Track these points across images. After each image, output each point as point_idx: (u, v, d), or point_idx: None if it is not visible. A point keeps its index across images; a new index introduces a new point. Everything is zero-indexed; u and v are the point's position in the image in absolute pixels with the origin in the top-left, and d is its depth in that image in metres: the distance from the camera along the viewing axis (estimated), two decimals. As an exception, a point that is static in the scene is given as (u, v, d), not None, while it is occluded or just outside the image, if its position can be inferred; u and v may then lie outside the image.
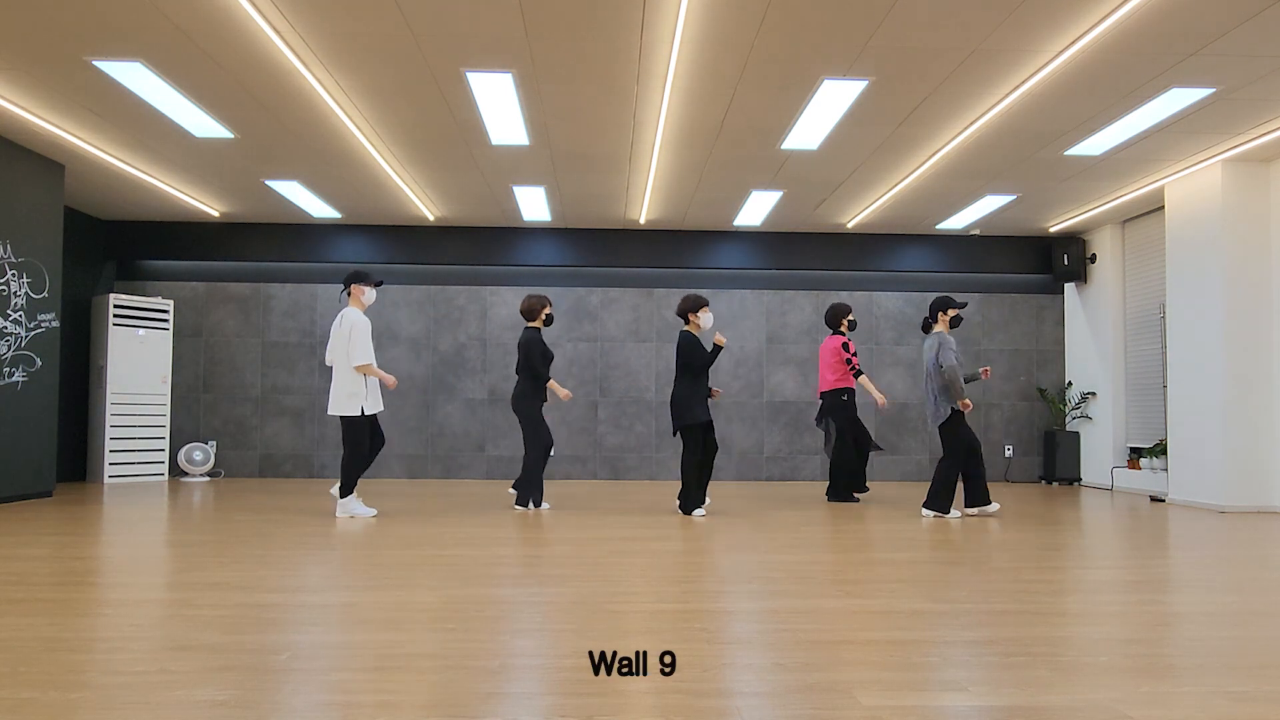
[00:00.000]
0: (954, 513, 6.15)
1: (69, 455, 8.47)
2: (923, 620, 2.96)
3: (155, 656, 2.44)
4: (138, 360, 8.53)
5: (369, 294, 5.92)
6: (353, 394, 5.73)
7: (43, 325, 6.88)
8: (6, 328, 6.51)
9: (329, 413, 5.79)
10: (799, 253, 9.41)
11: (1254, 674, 2.37)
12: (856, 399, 7.39)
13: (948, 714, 2.02)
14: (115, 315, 8.36)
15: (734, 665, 2.40)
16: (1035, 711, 2.04)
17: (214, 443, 9.02)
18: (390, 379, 5.78)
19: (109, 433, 8.26)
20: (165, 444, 8.74)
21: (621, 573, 3.81)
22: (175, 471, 9.26)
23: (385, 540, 4.75)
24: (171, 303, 8.87)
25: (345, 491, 5.82)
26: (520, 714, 2.01)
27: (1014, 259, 9.49)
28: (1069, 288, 9.60)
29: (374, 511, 5.89)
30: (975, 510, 6.20)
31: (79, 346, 8.57)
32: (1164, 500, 7.51)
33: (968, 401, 5.92)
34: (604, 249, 9.33)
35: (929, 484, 9.19)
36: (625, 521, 5.70)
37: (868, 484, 7.41)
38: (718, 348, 5.99)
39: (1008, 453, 9.54)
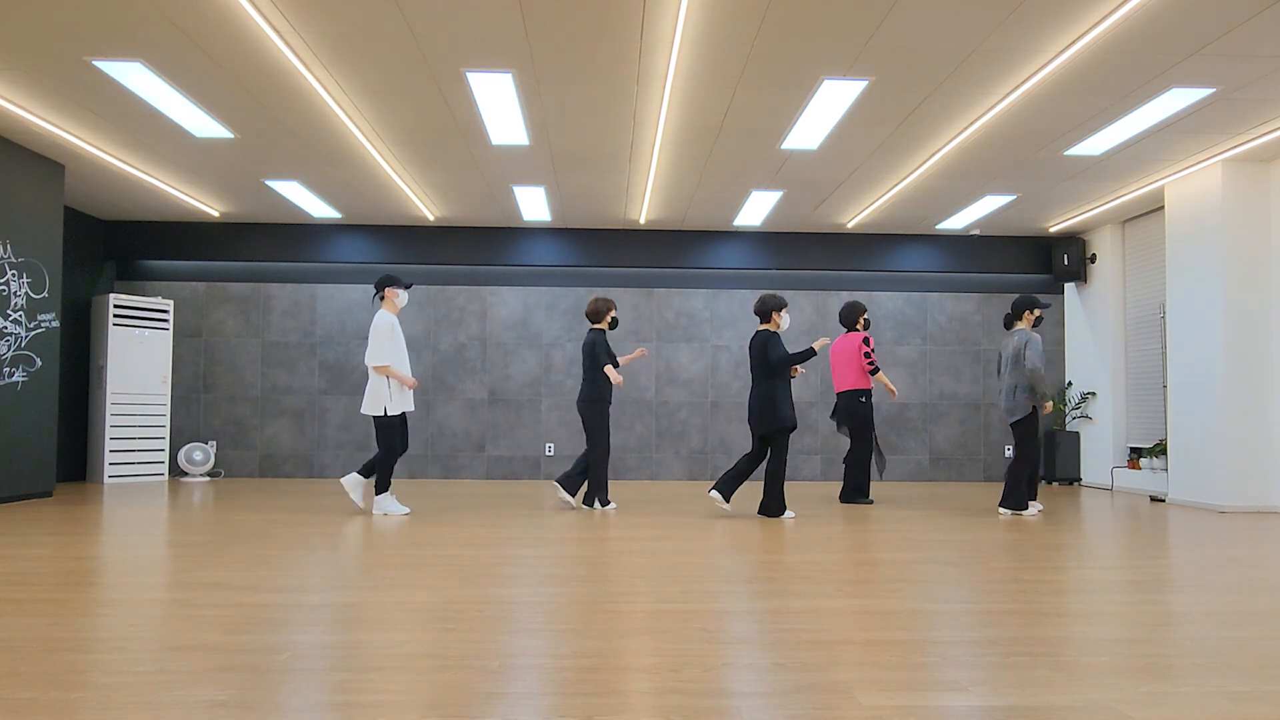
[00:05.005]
0: (1032, 509, 6.21)
1: (69, 455, 8.48)
2: (923, 620, 2.96)
3: (155, 656, 2.44)
4: (138, 360, 8.53)
5: (401, 296, 6.06)
6: (377, 393, 5.87)
7: (43, 325, 6.88)
8: (6, 328, 6.51)
9: (360, 411, 5.96)
10: (799, 253, 9.41)
11: (1254, 674, 2.37)
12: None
13: (948, 714, 2.02)
14: (115, 315, 8.36)
15: (734, 665, 2.40)
16: (1035, 711, 2.04)
17: (214, 443, 9.02)
18: (409, 380, 5.90)
19: (109, 433, 8.26)
20: (165, 444, 8.74)
21: (621, 573, 3.81)
22: (175, 471, 9.26)
23: (386, 540, 4.75)
24: (171, 303, 8.87)
25: (380, 489, 5.98)
26: (520, 714, 2.01)
27: (1014, 259, 9.49)
28: (1069, 288, 9.60)
29: (408, 510, 6.04)
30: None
31: (79, 346, 8.57)
32: (1164, 500, 7.51)
33: (1050, 404, 6.05)
34: (604, 249, 9.33)
35: (930, 484, 9.19)
36: (625, 521, 5.70)
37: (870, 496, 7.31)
38: (810, 350, 5.89)
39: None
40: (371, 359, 5.82)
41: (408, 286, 6.10)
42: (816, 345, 5.90)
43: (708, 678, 2.29)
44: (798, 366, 5.94)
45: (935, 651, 2.56)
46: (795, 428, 5.82)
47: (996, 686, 2.23)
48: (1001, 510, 6.25)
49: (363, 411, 5.94)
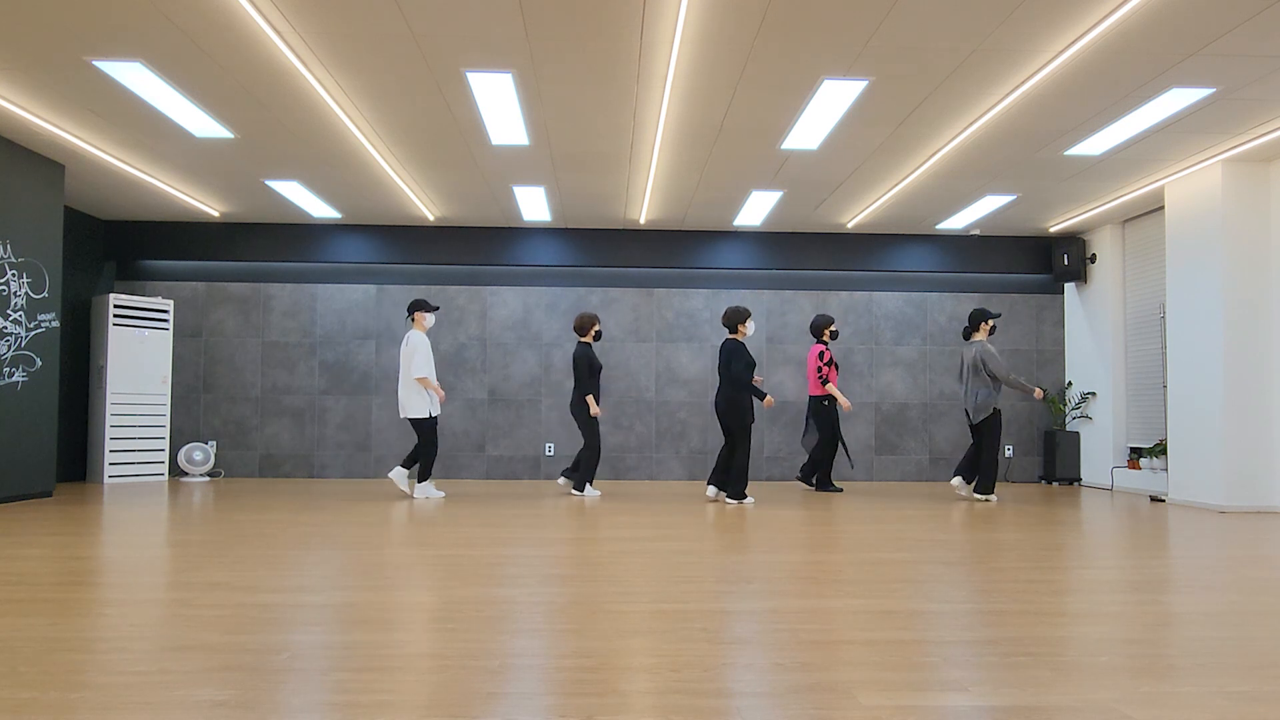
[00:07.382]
0: (993, 497, 7.05)
1: (69, 455, 8.47)
2: (923, 620, 2.96)
3: (155, 656, 2.44)
4: (138, 360, 8.53)
5: (429, 319, 7.22)
6: (420, 399, 7.00)
7: (43, 325, 6.88)
8: (6, 328, 6.51)
9: (401, 416, 7.04)
10: (799, 253, 9.41)
11: (1254, 674, 2.37)
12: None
13: (948, 714, 2.02)
14: (115, 315, 8.36)
15: (734, 665, 2.40)
16: (1035, 711, 2.04)
17: (214, 443, 9.02)
18: (441, 392, 7.03)
19: (109, 433, 8.26)
20: (165, 444, 8.74)
21: (621, 573, 3.81)
22: (175, 471, 9.26)
23: (385, 540, 4.75)
24: (171, 303, 8.87)
25: (423, 478, 7.09)
26: (520, 714, 2.01)
27: (1014, 259, 9.49)
28: (1069, 288, 9.60)
29: (444, 493, 7.29)
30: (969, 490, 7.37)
31: (79, 346, 8.57)
32: (1164, 500, 7.52)
33: (1040, 390, 6.88)
34: (604, 249, 9.33)
35: (930, 484, 9.18)
36: (625, 521, 5.70)
37: (826, 483, 8.15)
38: (763, 395, 6.72)
39: (1008, 453, 9.54)
40: (416, 371, 6.92)
41: (435, 309, 7.18)
42: (767, 401, 6.68)
43: (708, 678, 2.29)
44: (770, 397, 6.85)
45: (935, 651, 2.56)
46: (754, 422, 6.77)
47: (996, 686, 2.23)
48: (977, 495, 7.06)
49: (405, 416, 6.99)
